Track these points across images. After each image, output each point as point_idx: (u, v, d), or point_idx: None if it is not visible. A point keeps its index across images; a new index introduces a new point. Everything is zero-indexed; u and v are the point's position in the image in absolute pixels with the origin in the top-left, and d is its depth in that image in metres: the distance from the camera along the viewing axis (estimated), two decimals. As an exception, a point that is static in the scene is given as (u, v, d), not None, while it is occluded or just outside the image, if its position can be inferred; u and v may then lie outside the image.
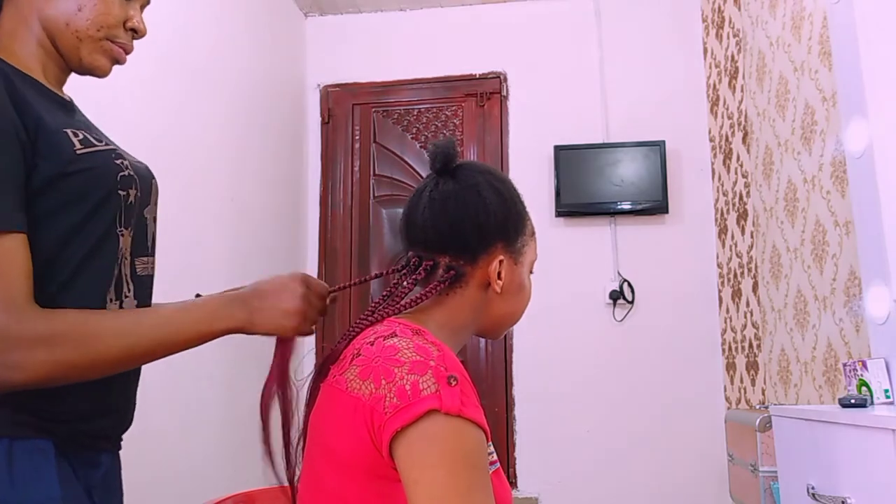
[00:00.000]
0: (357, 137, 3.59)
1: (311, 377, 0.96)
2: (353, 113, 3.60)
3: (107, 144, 0.95)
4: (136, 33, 1.00)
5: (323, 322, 3.45)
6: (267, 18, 3.20)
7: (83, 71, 0.99)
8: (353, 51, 3.62)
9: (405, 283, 0.96)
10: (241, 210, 2.80)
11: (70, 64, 0.98)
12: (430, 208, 0.96)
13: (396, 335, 0.85)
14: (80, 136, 0.90)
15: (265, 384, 0.98)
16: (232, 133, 2.76)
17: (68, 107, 0.99)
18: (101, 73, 1.00)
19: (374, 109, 3.59)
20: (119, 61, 1.00)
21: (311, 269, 3.50)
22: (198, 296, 0.99)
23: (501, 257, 0.96)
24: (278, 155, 3.25)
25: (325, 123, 3.61)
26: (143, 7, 1.03)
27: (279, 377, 0.98)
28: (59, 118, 0.91)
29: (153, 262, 1.04)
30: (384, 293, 0.97)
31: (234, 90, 2.79)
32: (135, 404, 1.03)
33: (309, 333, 0.97)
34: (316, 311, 0.96)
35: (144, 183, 1.00)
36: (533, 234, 1.03)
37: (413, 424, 0.76)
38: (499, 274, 0.96)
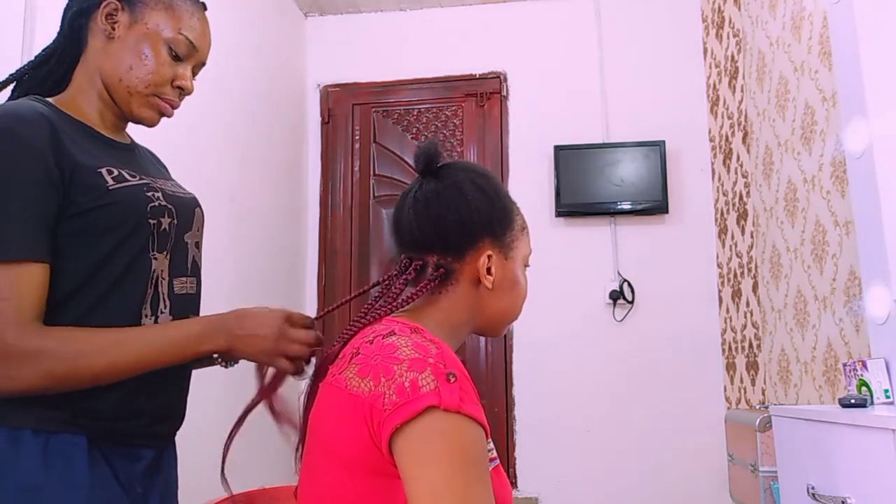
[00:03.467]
0: (357, 137, 3.59)
1: (309, 378, 0.97)
2: (353, 113, 3.60)
3: (140, 179, 1.06)
4: (183, 91, 1.12)
5: (323, 325, 3.43)
6: (267, 18, 3.20)
7: (133, 120, 1.12)
8: (353, 51, 3.62)
9: (397, 284, 0.97)
10: (241, 210, 2.80)
11: (123, 113, 1.10)
12: (414, 209, 0.97)
13: (395, 333, 0.86)
14: (115, 174, 1.01)
15: (248, 406, 1.04)
16: (232, 133, 2.76)
17: (119, 147, 1.11)
18: (148, 124, 1.12)
19: (374, 109, 3.59)
20: (165, 114, 1.12)
21: (311, 269, 3.50)
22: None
23: (489, 252, 0.96)
24: (278, 155, 3.25)
25: (325, 123, 3.61)
26: (196, 68, 1.14)
27: (265, 399, 1.03)
28: (99, 158, 1.02)
29: (194, 282, 1.14)
30: (376, 294, 1.00)
31: (234, 90, 2.79)
32: (179, 406, 1.13)
33: (296, 371, 1.03)
34: (296, 347, 1.01)
35: (185, 211, 1.12)
36: (523, 228, 1.03)
37: (412, 421, 0.76)
38: (488, 269, 0.96)
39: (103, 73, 1.07)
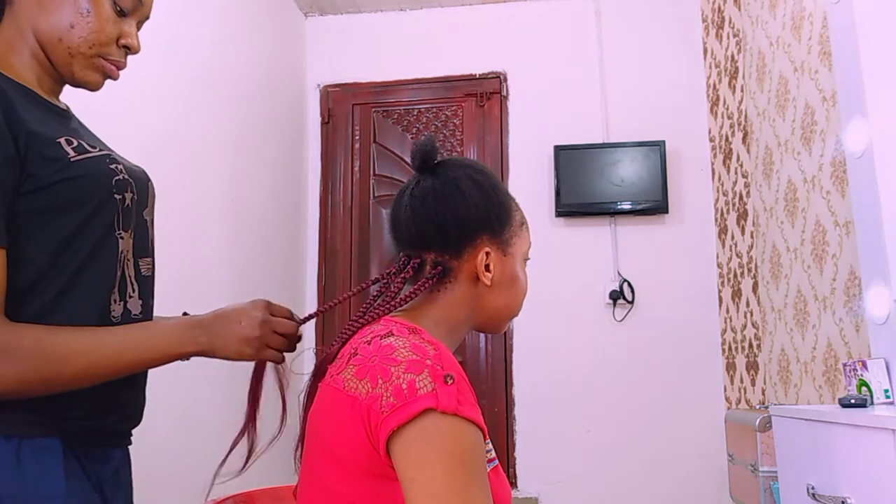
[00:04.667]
0: (357, 137, 3.59)
1: (308, 378, 0.97)
2: (353, 113, 3.61)
3: (101, 150, 0.97)
4: (130, 50, 1.02)
5: (323, 326, 3.39)
6: (267, 18, 3.20)
7: (76, 84, 1.01)
8: (353, 51, 3.62)
9: (395, 282, 0.96)
10: (241, 210, 2.80)
11: (63, 77, 1.00)
12: (410, 206, 0.96)
13: (393, 334, 0.86)
14: (75, 144, 0.93)
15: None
16: (232, 133, 2.76)
17: (63, 115, 1.01)
18: (92, 88, 1.02)
19: (374, 109, 3.59)
20: (111, 77, 1.02)
21: (311, 269, 3.50)
22: (185, 314, 1.02)
23: (487, 249, 0.96)
24: (278, 155, 3.25)
25: (325, 123, 3.61)
26: (140, 23, 1.05)
27: (250, 400, 1.02)
28: (53, 128, 0.93)
29: (152, 263, 1.06)
30: (374, 294, 0.99)
31: (234, 90, 2.79)
32: (144, 401, 1.05)
33: (277, 360, 1.00)
34: (278, 337, 0.98)
35: (141, 186, 1.02)
36: (522, 223, 1.02)
37: (410, 423, 0.76)
38: (487, 266, 0.95)
39: (38, 32, 0.96)
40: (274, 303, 1.00)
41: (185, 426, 2.20)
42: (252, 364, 1.02)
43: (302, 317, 1.05)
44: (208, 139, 2.56)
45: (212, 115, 2.60)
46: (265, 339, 0.97)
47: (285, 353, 1.02)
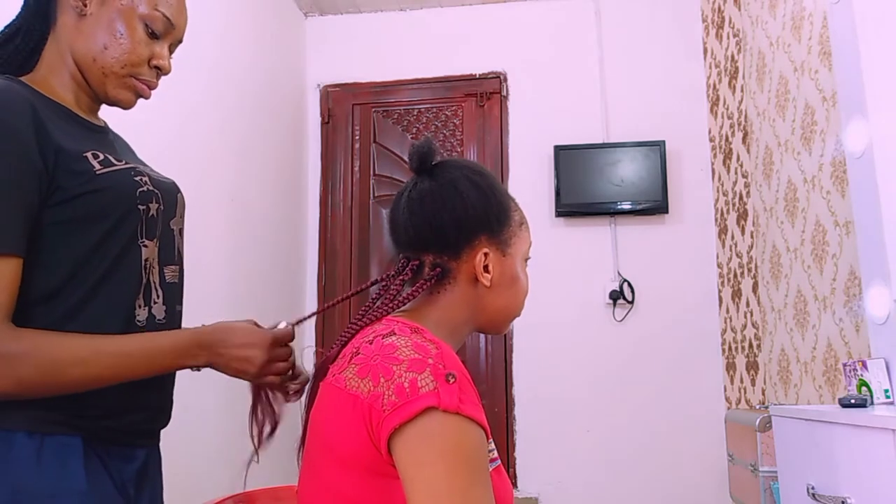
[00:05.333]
0: (357, 137, 3.59)
1: (310, 378, 0.97)
2: (353, 113, 3.61)
3: (127, 163, 1.01)
4: (161, 71, 1.06)
5: (323, 326, 3.39)
6: (267, 18, 3.20)
7: (109, 102, 1.07)
8: (353, 51, 3.63)
9: (394, 284, 0.96)
10: (242, 210, 2.80)
11: (98, 96, 1.05)
12: (408, 208, 0.96)
13: (395, 333, 0.86)
14: (101, 158, 0.97)
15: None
16: (232, 133, 2.77)
17: (99, 131, 1.07)
18: (125, 106, 1.07)
19: (374, 109, 3.59)
20: (143, 96, 1.07)
21: (311, 269, 3.50)
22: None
23: (486, 250, 0.95)
24: (278, 155, 3.25)
25: (325, 123, 3.61)
26: (173, 46, 1.09)
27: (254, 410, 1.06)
28: (82, 143, 0.98)
29: (178, 271, 1.09)
30: (374, 296, 0.99)
31: (234, 90, 2.79)
32: (171, 402, 1.08)
33: (275, 385, 1.04)
34: (276, 372, 1.02)
35: (168, 197, 1.07)
36: (521, 223, 1.01)
37: (411, 422, 0.76)
38: (485, 267, 0.95)
39: (75, 53, 1.01)
40: (278, 333, 1.02)
41: (185, 426, 2.20)
42: None
43: (298, 318, 1.07)
44: (208, 139, 2.56)
45: (212, 115, 2.60)
46: (259, 375, 1.00)
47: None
